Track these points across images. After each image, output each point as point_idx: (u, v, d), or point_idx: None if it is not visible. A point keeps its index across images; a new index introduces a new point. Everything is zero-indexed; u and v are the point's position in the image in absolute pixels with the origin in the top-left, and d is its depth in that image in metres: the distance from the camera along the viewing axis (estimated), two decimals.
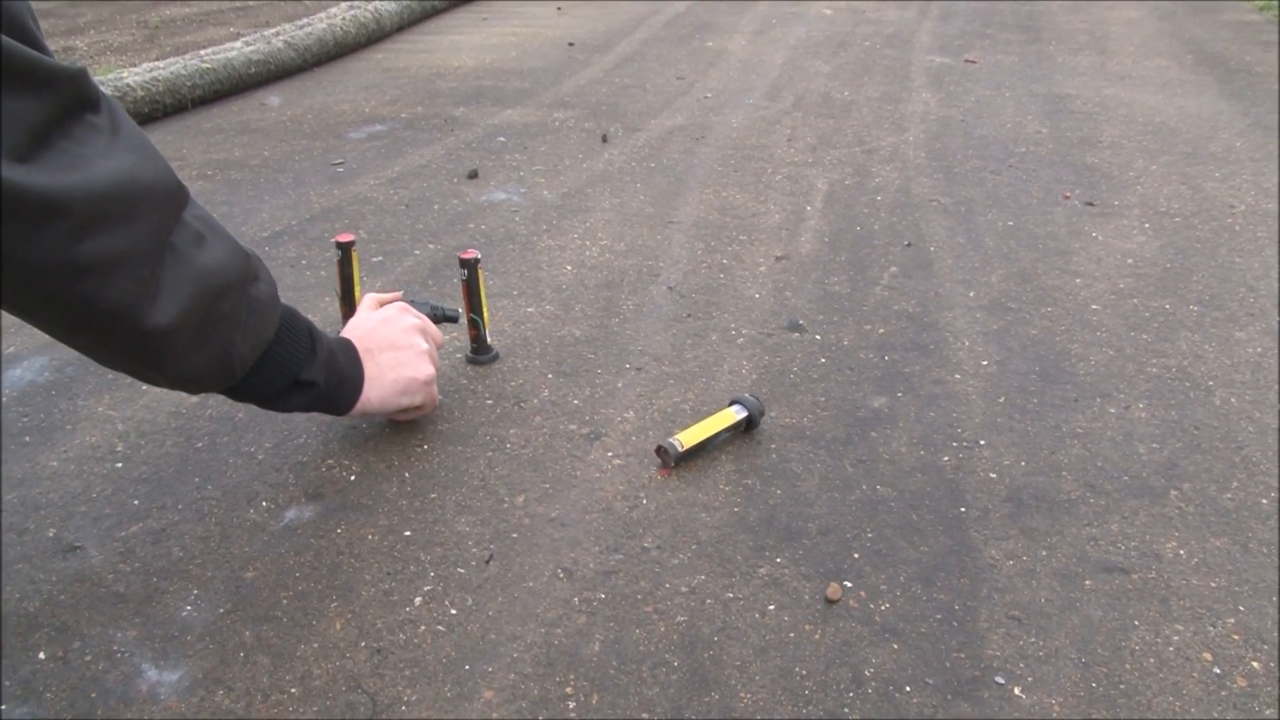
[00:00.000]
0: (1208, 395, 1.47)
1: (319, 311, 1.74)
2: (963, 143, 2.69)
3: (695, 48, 3.90)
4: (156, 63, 3.33)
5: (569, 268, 1.90)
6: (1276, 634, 1.00)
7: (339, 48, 3.86)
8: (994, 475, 1.27)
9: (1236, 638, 1.00)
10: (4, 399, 1.51)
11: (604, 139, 2.67)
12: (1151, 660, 0.97)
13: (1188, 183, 2.39)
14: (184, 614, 1.05)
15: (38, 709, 0.92)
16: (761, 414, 1.35)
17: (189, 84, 3.18)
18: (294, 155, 2.65)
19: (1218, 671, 0.96)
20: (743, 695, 0.93)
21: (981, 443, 1.34)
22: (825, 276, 1.86)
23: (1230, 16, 4.66)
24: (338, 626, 1.03)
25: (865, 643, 0.99)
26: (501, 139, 2.74)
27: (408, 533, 1.18)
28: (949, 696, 0.93)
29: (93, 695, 0.94)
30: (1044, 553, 1.13)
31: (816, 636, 1.01)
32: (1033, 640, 1.00)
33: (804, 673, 0.96)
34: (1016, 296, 1.79)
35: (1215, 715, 0.90)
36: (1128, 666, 0.96)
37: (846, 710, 0.91)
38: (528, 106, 3.08)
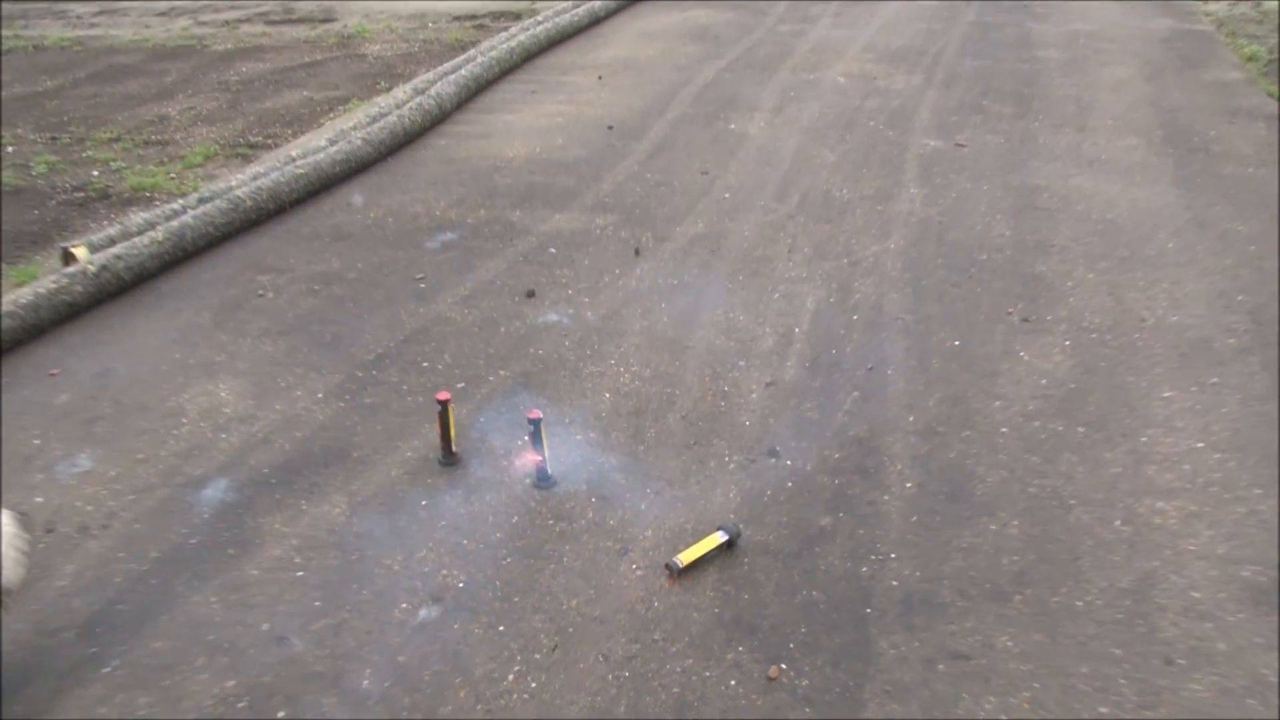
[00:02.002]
0: (1066, 513, 2.04)
1: (420, 436, 2.36)
2: (935, 249, 3.24)
3: (719, 131, 4.45)
4: (259, 169, 3.97)
5: (607, 395, 2.50)
6: (1057, 707, 1.59)
7: (406, 136, 4.47)
8: (895, 583, 1.86)
9: (1026, 706, 1.59)
10: (205, 516, 2.14)
11: (636, 252, 3.26)
12: None
13: (1114, 293, 2.93)
14: (363, 687, 1.68)
15: None
16: (739, 535, 1.95)
17: (287, 189, 3.81)
18: (382, 268, 3.27)
19: None
20: None
21: (892, 555, 1.93)
22: (801, 402, 2.45)
23: (1213, 75, 5.12)
24: (461, 695, 1.65)
25: (789, 707, 1.59)
26: (552, 250, 3.34)
27: (501, 628, 1.79)
28: None
29: None
30: (916, 644, 1.72)
31: (759, 703, 1.61)
32: (895, 707, 1.59)
33: None
34: (946, 420, 2.36)
35: None
36: None
37: None
38: (573, 210, 3.67)
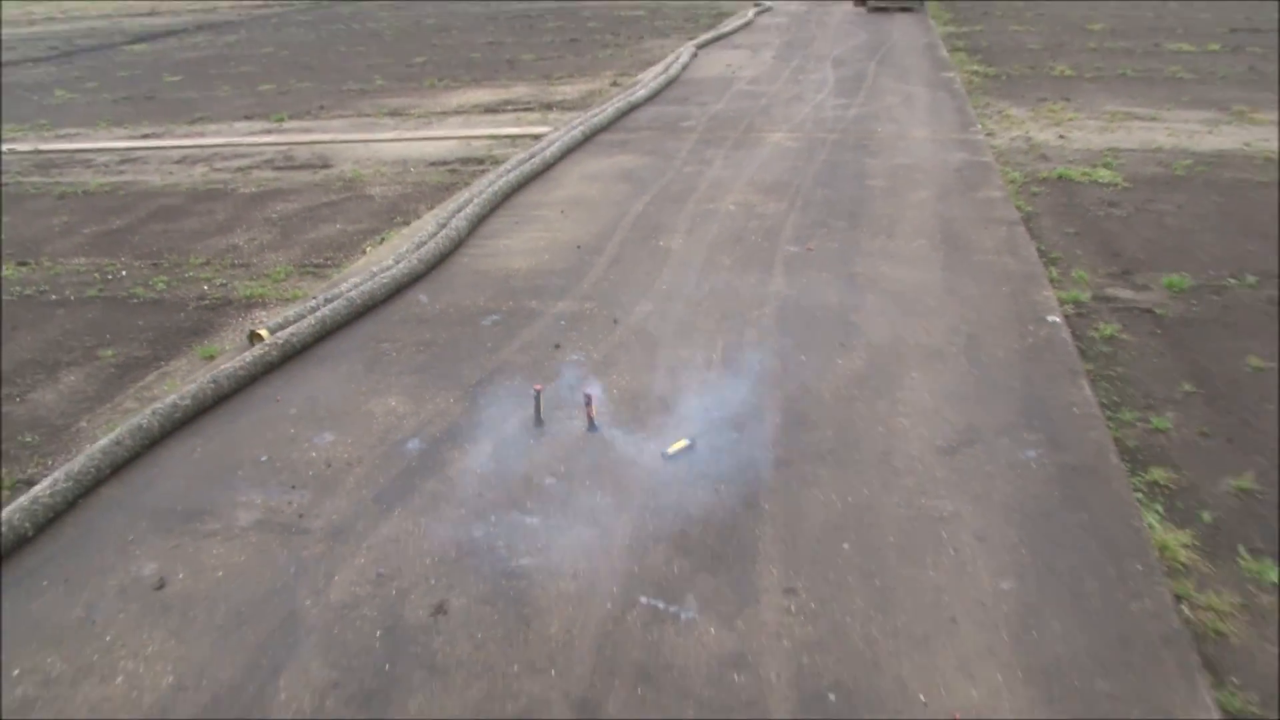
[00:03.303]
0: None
1: (520, 416, 4.40)
2: (794, 312, 5.40)
3: (652, 247, 6.63)
4: (355, 280, 5.99)
5: (615, 393, 4.56)
6: None
7: (441, 256, 6.54)
8: None
9: None
10: (411, 456, 4.14)
11: (615, 322, 5.37)
12: None
13: (893, 329, 5.11)
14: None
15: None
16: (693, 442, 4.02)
17: (380, 292, 5.85)
18: (459, 337, 5.32)
19: None
20: None
21: None
22: (711, 392, 4.55)
23: (983, 194, 7.51)
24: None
25: None
26: (562, 322, 5.44)
27: (563, 496, 3.83)
28: None
29: None
30: None
31: None
32: None
33: None
34: (798, 398, 4.48)
35: None
36: None
37: None
38: (568, 299, 5.77)
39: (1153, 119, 10.03)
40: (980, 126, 9.82)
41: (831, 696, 2.81)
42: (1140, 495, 3.71)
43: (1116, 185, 7.64)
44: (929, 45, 15.85)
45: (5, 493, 4.24)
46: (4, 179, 10.37)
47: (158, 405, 4.53)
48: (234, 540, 3.71)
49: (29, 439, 4.75)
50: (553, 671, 2.96)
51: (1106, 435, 4.08)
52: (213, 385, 4.73)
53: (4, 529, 3.67)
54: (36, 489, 3.93)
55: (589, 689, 2.89)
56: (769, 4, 24.10)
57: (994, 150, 8.89)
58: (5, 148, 12.14)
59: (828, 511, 3.65)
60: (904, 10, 21.03)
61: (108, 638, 3.24)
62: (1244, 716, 2.71)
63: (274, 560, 3.57)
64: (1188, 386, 4.53)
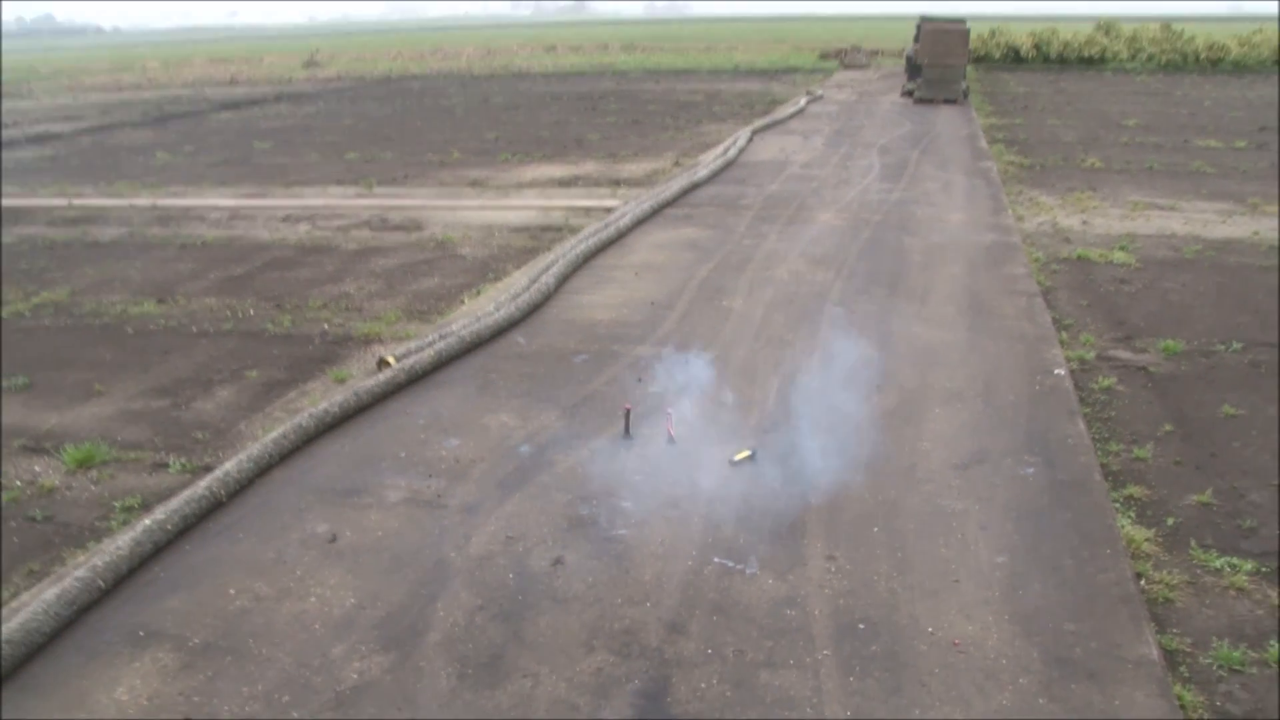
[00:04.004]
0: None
1: (611, 430, 5.36)
2: (839, 362, 6.34)
3: (717, 305, 7.62)
4: (464, 323, 7.02)
5: (689, 413, 5.52)
6: None
7: (533, 307, 7.57)
8: None
9: None
10: (524, 456, 5.11)
11: (687, 363, 6.35)
12: None
13: (922, 376, 6.03)
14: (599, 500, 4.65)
15: None
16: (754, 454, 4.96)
17: (486, 333, 6.87)
18: (555, 370, 6.32)
19: None
20: None
21: None
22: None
23: (1008, 270, 8.45)
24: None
25: None
26: (643, 362, 6.42)
27: (653, 489, 4.77)
28: None
29: None
30: None
31: None
32: None
33: None
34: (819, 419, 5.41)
35: None
36: None
37: None
38: (646, 344, 6.76)
39: (1171, 209, 10.96)
40: (1011, 212, 10.80)
41: (861, 626, 3.71)
42: (1117, 504, 4.59)
43: (1129, 265, 8.57)
44: (970, 136, 16.93)
45: (188, 475, 5.25)
46: (129, 231, 11.63)
47: (312, 410, 5.56)
48: (387, 511, 4.68)
49: (199, 436, 5.78)
50: (648, 604, 3.88)
51: (1094, 460, 4.96)
52: (354, 398, 5.75)
53: (205, 491, 4.68)
54: (227, 464, 4.94)
55: (675, 616, 3.80)
56: (820, 92, 25.39)
57: (1022, 233, 9.84)
58: (127, 203, 13.48)
59: (861, 506, 4.56)
60: (948, 102, 22.21)
61: (298, 572, 4.21)
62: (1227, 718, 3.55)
63: (421, 525, 4.53)
64: (1168, 427, 5.41)
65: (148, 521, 4.42)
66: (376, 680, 3.52)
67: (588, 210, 11.66)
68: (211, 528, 4.59)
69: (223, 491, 4.78)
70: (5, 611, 4.00)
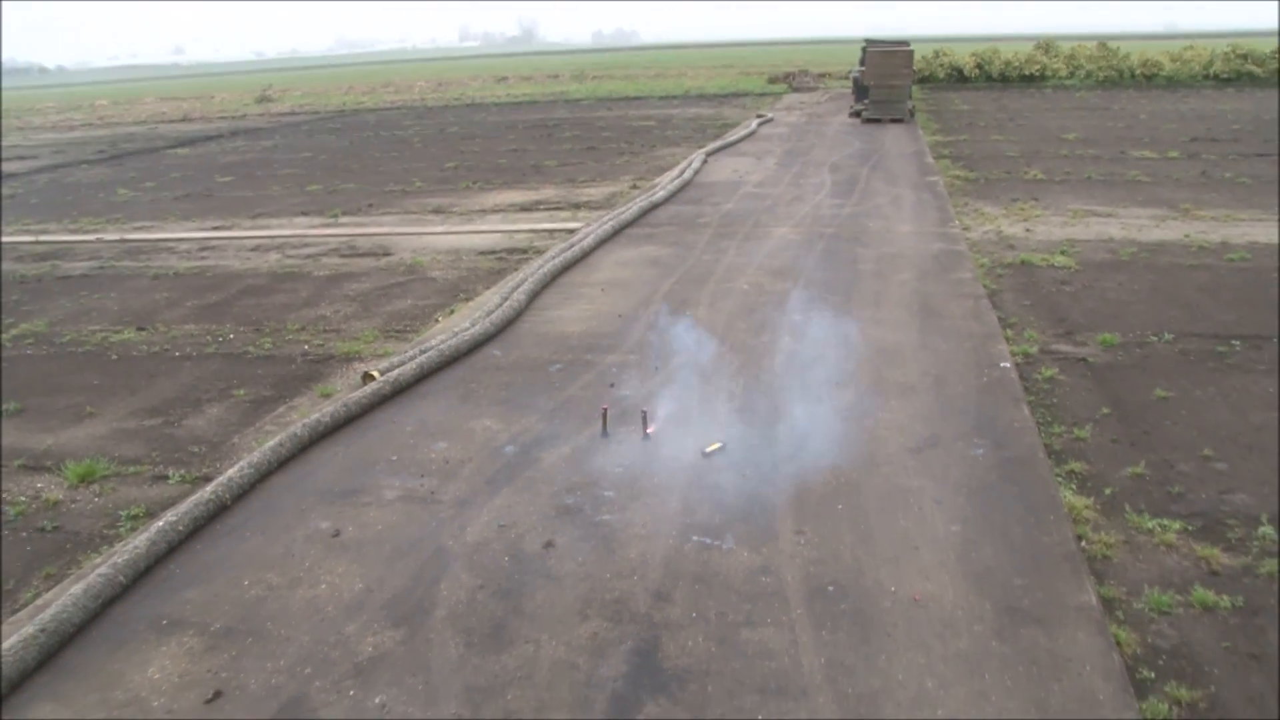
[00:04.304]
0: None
1: (588, 431, 5.71)
2: (796, 362, 6.74)
3: (681, 317, 8.01)
4: (442, 338, 7.35)
5: (660, 414, 5.88)
6: None
7: (506, 323, 7.91)
8: None
9: None
10: (508, 456, 5.45)
11: (655, 369, 6.71)
12: None
13: (876, 373, 6.44)
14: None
15: None
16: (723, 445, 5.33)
17: (465, 347, 7.20)
18: (532, 380, 6.66)
19: None
20: None
21: None
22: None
23: (955, 276, 8.91)
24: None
25: None
26: (614, 369, 6.78)
27: (622, 495, 5.13)
28: None
29: None
30: None
31: None
32: None
33: None
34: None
35: None
36: None
37: None
38: (616, 353, 7.12)
39: (1109, 215, 11.53)
40: (958, 222, 11.31)
41: (830, 588, 4.08)
42: (1059, 478, 5.01)
43: (1070, 268, 9.07)
44: (917, 153, 17.53)
45: (188, 486, 5.53)
46: (99, 264, 11.83)
47: (305, 420, 5.86)
48: (385, 507, 4.99)
49: (195, 449, 6.05)
50: (635, 577, 4.23)
51: (1038, 440, 5.38)
52: (344, 408, 6.06)
53: (210, 495, 4.97)
54: (230, 471, 5.24)
55: (661, 585, 4.15)
56: (770, 115, 26.01)
57: (968, 241, 10.34)
58: (94, 237, 13.66)
59: (826, 488, 4.94)
60: (894, 121, 22.89)
61: (306, 564, 4.51)
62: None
63: (419, 519, 4.85)
64: (1106, 410, 5.85)
65: (160, 523, 4.70)
66: (390, 651, 3.83)
67: (551, 232, 12.03)
68: (219, 529, 4.88)
69: (227, 495, 5.06)
70: (28, 612, 4.27)
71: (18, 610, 4.36)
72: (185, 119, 41.79)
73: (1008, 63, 35.49)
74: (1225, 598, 3.97)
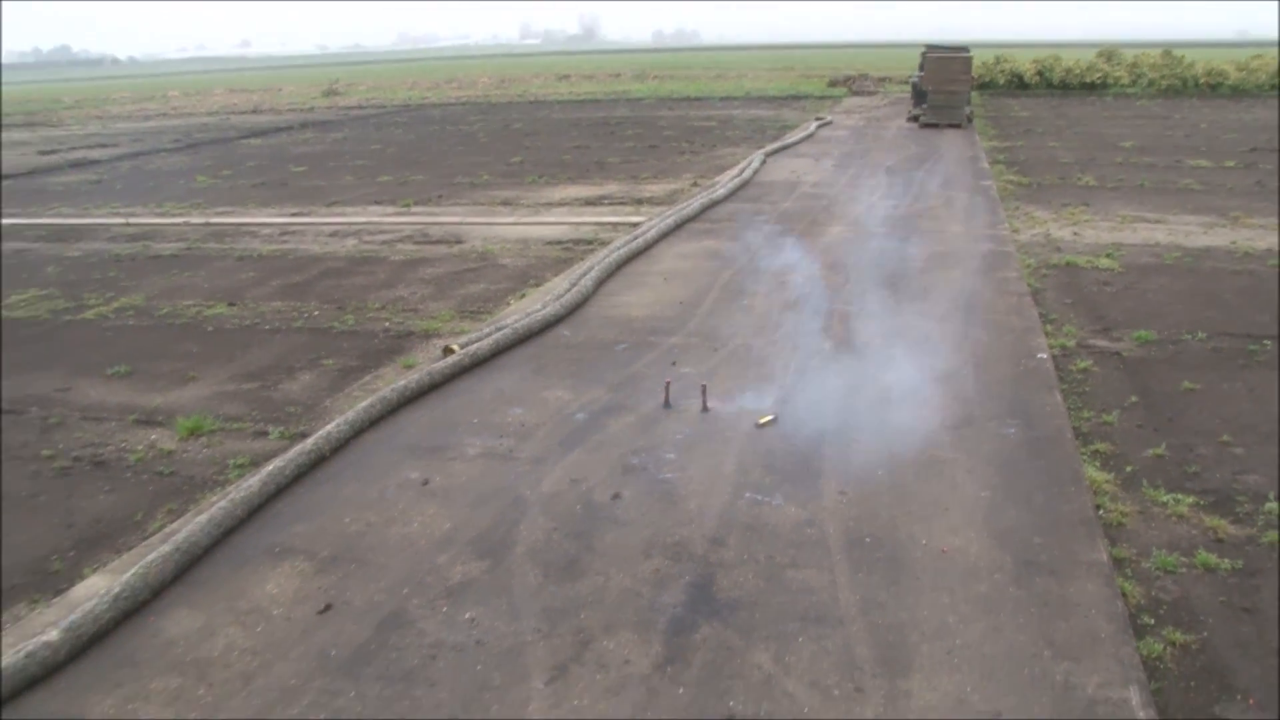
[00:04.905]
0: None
1: (652, 402, 6.23)
2: (848, 346, 7.21)
3: (739, 304, 8.50)
4: (516, 319, 7.92)
5: (717, 389, 6.39)
6: None
7: (575, 306, 8.46)
8: None
9: None
10: (579, 422, 5.99)
11: (714, 349, 7.22)
12: None
13: (918, 363, 6.90)
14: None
15: None
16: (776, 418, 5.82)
17: (536, 326, 7.76)
18: (599, 357, 7.20)
19: None
20: None
21: None
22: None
23: (1002, 275, 9.30)
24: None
25: None
26: (676, 349, 7.30)
27: (687, 453, 5.65)
28: None
29: None
30: None
31: None
32: None
33: None
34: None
35: None
36: None
37: None
38: (677, 336, 7.64)
39: (1158, 221, 11.83)
40: (1008, 225, 11.68)
41: (867, 540, 4.57)
42: (1084, 456, 5.44)
43: (1113, 270, 9.43)
44: (972, 158, 17.85)
45: (286, 441, 6.13)
46: (187, 245, 12.58)
47: (394, 385, 6.45)
48: (469, 462, 5.56)
49: (291, 409, 6.67)
50: (693, 525, 4.75)
51: (1067, 423, 5.82)
52: (428, 376, 6.64)
53: (312, 446, 5.56)
54: (330, 426, 5.84)
55: (716, 533, 4.67)
56: (829, 118, 26.37)
57: (1016, 243, 10.72)
58: (180, 220, 14.46)
59: (867, 456, 5.42)
60: (952, 126, 23.17)
61: (400, 506, 5.09)
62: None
63: (498, 472, 5.41)
64: (1134, 398, 6.26)
65: (270, 467, 5.31)
66: (477, 579, 4.39)
67: (615, 225, 12.58)
68: (320, 476, 5.48)
69: (326, 448, 5.66)
70: (159, 537, 4.89)
71: (148, 537, 4.98)
72: (255, 110, 43.01)
73: (1069, 70, 35.48)
74: (1226, 561, 4.40)
